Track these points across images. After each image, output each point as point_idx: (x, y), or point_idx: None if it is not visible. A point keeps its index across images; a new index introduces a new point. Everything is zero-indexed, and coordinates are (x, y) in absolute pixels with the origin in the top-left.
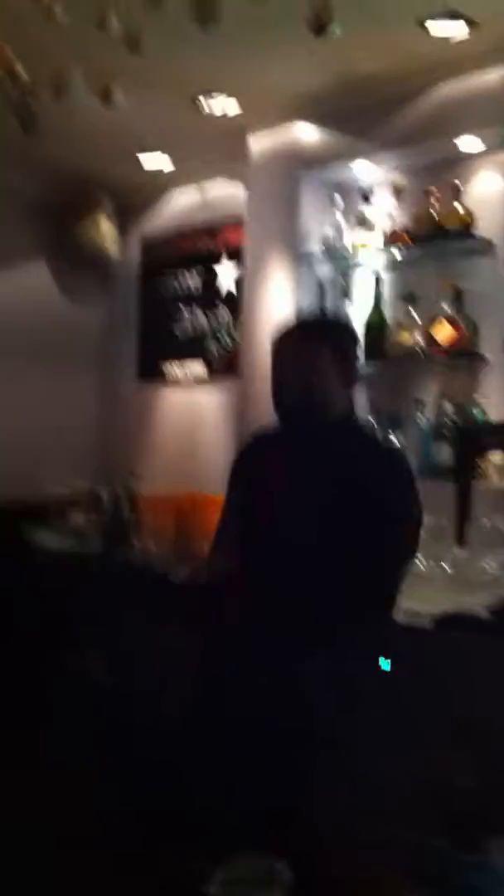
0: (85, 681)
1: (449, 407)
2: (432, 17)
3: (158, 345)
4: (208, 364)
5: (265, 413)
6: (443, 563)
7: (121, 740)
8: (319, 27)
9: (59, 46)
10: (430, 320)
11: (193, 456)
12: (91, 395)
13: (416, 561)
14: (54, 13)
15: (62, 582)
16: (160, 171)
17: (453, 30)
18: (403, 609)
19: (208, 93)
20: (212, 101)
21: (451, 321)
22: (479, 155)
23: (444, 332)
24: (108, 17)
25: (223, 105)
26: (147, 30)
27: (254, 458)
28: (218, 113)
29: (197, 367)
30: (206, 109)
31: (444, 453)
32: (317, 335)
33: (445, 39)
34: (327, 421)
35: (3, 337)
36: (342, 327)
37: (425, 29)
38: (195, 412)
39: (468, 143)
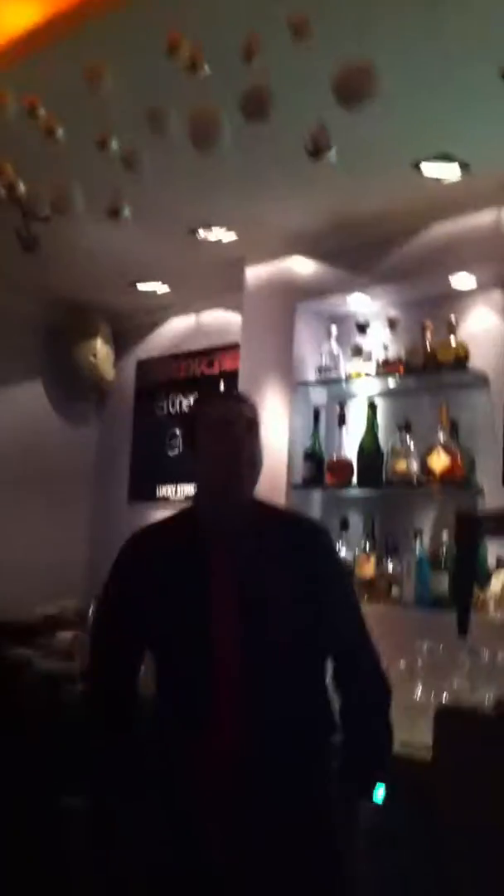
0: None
1: (446, 536)
2: (426, 160)
3: (151, 466)
4: None
5: None
6: (444, 694)
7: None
8: (317, 151)
9: (60, 166)
10: (426, 449)
11: None
12: (83, 514)
13: (415, 692)
14: (55, 133)
15: (48, 702)
16: (158, 299)
17: (446, 172)
18: (401, 741)
19: (207, 226)
20: (210, 234)
21: (447, 451)
22: (473, 292)
23: (439, 462)
24: (108, 138)
25: (221, 238)
26: (148, 163)
27: (160, 549)
28: (216, 245)
29: (189, 488)
30: (205, 241)
31: (442, 583)
32: (253, 410)
33: (439, 181)
34: (251, 502)
35: None
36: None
37: (419, 171)
38: None
39: (462, 280)
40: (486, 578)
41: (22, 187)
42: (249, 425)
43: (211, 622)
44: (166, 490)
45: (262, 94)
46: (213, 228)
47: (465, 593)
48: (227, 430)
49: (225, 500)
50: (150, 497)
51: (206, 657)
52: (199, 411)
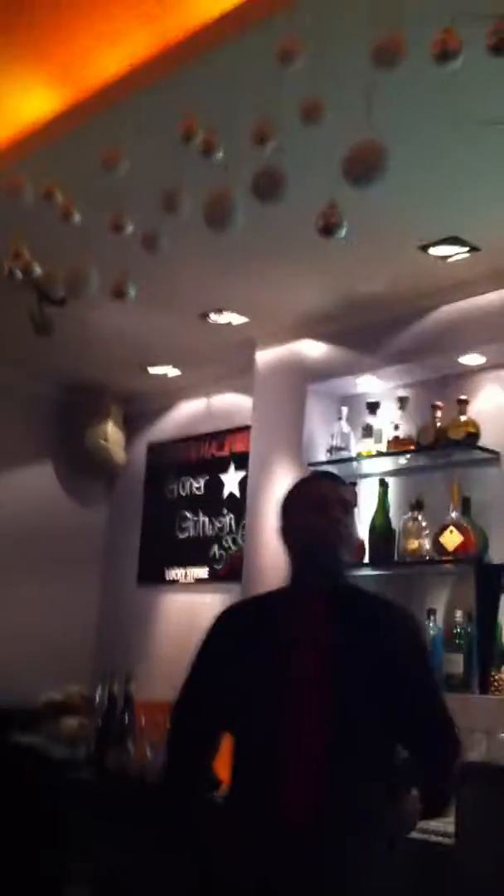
0: None
1: (461, 616)
2: (435, 244)
3: (161, 548)
4: (210, 567)
5: None
6: None
7: None
8: (327, 229)
9: (76, 250)
10: (439, 527)
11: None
12: (92, 597)
13: None
14: (71, 217)
15: (53, 789)
16: (169, 382)
17: (455, 254)
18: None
19: (218, 310)
20: (221, 318)
21: (460, 528)
22: (482, 370)
23: (452, 540)
24: (123, 221)
25: (232, 321)
26: (164, 255)
27: (249, 625)
28: (226, 329)
29: (199, 571)
30: (215, 325)
31: (457, 664)
32: (348, 491)
33: (447, 263)
34: (345, 583)
35: (8, 537)
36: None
37: (428, 253)
38: (196, 615)
39: (471, 359)
40: (502, 657)
41: (38, 270)
42: (346, 505)
43: (292, 695)
44: (175, 573)
45: (274, 176)
46: (224, 312)
47: (487, 643)
48: (325, 507)
49: (318, 575)
50: (159, 580)
51: (284, 730)
52: (300, 488)
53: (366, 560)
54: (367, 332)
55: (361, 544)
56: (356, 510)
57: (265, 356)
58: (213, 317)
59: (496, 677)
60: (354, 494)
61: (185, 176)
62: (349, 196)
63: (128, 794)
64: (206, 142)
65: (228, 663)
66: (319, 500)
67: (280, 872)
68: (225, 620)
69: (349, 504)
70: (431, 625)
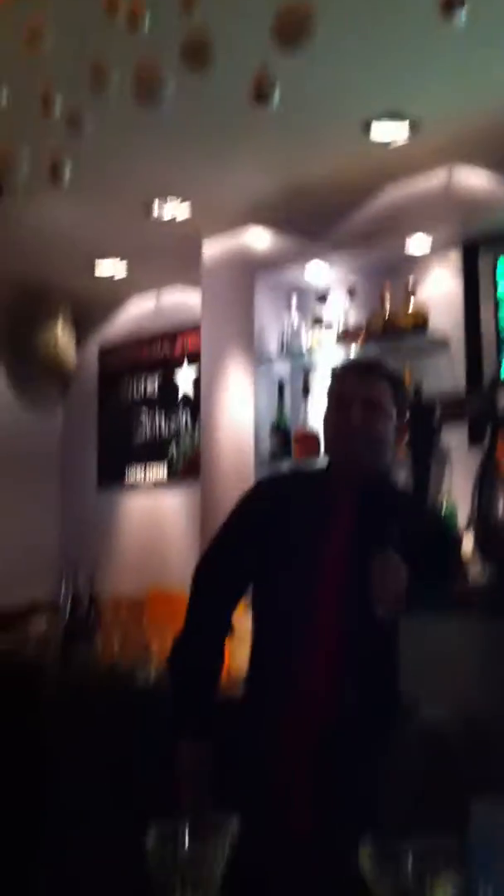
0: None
1: None
2: (376, 118)
3: (118, 450)
4: (169, 467)
5: (225, 513)
6: None
7: None
8: (261, 95)
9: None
10: None
11: (156, 558)
12: (52, 502)
13: None
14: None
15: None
16: (116, 280)
17: (396, 131)
18: None
19: (162, 198)
20: (164, 207)
21: None
22: (429, 255)
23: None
24: (51, 96)
25: (175, 212)
26: (101, 138)
27: (297, 491)
28: (171, 218)
29: (157, 471)
30: (160, 215)
31: None
32: (377, 386)
33: (390, 143)
34: (381, 473)
35: None
36: (399, 379)
37: (369, 131)
38: (156, 515)
39: (418, 242)
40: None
41: None
42: (371, 404)
43: (321, 565)
44: (134, 475)
45: (202, 42)
46: (169, 201)
47: (422, 484)
48: (344, 407)
49: (347, 470)
50: (118, 483)
51: (310, 599)
52: (332, 380)
53: (321, 452)
54: (313, 218)
55: (315, 437)
56: (392, 402)
57: (212, 247)
58: (157, 206)
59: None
60: (388, 385)
61: (112, 51)
62: (287, 72)
63: (96, 689)
64: (130, 13)
65: (258, 531)
66: (340, 398)
67: (297, 747)
68: (261, 490)
69: (374, 402)
70: None
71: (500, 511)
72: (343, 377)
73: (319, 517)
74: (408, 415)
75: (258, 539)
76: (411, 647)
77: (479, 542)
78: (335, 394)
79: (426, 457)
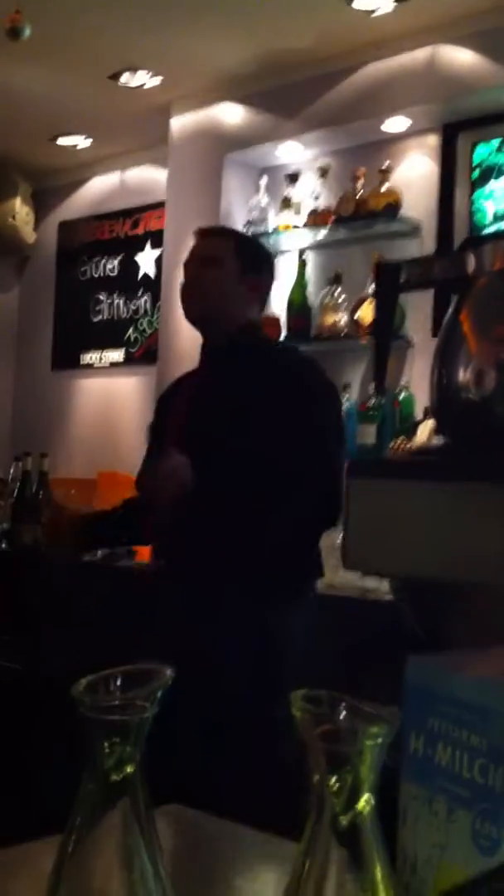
0: None
1: (373, 389)
2: None
3: (75, 332)
4: (126, 350)
5: None
6: None
7: None
8: None
9: None
10: (357, 301)
11: (109, 440)
12: (5, 382)
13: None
14: None
15: None
16: (80, 155)
17: (378, 6)
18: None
19: (129, 69)
20: (132, 78)
21: None
22: (407, 136)
23: (370, 314)
24: None
25: (144, 82)
26: (67, 3)
27: (174, 386)
28: (139, 91)
29: (114, 354)
30: (127, 87)
31: (370, 435)
32: (221, 234)
33: (372, 17)
34: (235, 330)
35: None
36: (263, 247)
37: (351, 5)
38: (112, 398)
39: (396, 123)
40: (413, 428)
41: None
42: (205, 260)
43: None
44: (91, 357)
45: None
46: (137, 72)
47: (382, 346)
48: (186, 265)
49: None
50: (74, 364)
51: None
52: None
53: (282, 336)
54: (288, 93)
55: (278, 320)
56: (233, 256)
57: (180, 122)
58: (125, 77)
59: (401, 446)
60: (224, 240)
61: None
62: None
63: (42, 566)
64: None
65: (156, 427)
66: (184, 264)
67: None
68: (165, 391)
69: (208, 257)
70: (345, 399)
71: (460, 379)
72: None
73: (182, 388)
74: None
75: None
76: (362, 509)
77: (436, 412)
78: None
79: (388, 324)
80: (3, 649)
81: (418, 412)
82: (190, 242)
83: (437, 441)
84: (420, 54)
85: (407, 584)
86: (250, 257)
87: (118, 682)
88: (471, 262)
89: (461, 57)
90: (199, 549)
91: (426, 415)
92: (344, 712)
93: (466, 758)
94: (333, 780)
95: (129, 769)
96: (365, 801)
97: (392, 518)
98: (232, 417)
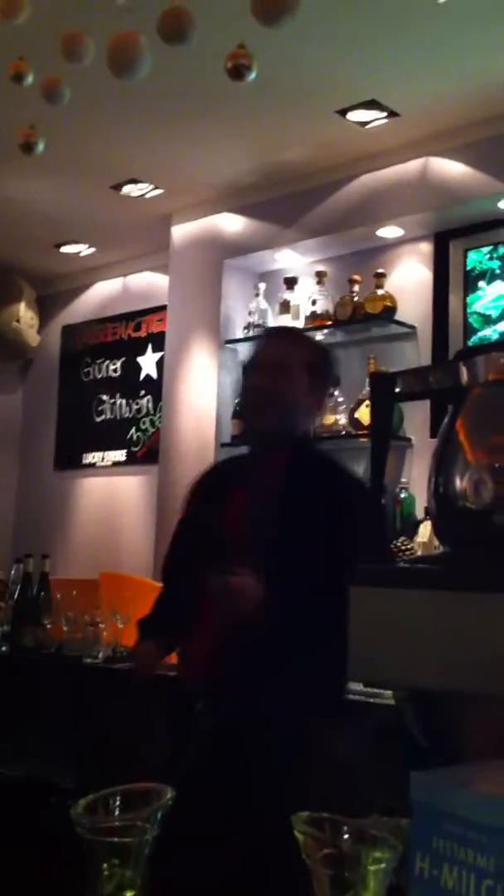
0: None
1: None
2: (353, 107)
3: (78, 432)
4: (128, 450)
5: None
6: None
7: None
8: (236, 71)
9: None
10: (355, 402)
11: (111, 540)
12: (8, 483)
13: None
14: None
15: None
16: (83, 261)
17: (371, 119)
18: None
19: (132, 182)
20: (135, 189)
21: None
22: (401, 243)
23: (368, 415)
24: (24, 70)
25: (146, 193)
26: (73, 117)
27: (218, 476)
28: (141, 201)
29: (117, 454)
30: (129, 197)
31: None
32: (294, 340)
33: (365, 129)
34: (298, 438)
35: None
36: (330, 355)
37: (345, 118)
38: (114, 497)
39: (389, 232)
40: (413, 527)
41: None
42: (275, 367)
43: (222, 533)
44: (93, 456)
45: (181, 15)
46: (139, 184)
47: (379, 457)
48: (254, 371)
49: (258, 439)
50: (76, 464)
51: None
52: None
53: None
54: (286, 203)
55: None
56: (302, 365)
57: (181, 231)
58: (128, 188)
59: (403, 546)
60: (297, 349)
61: (90, 22)
62: (266, 57)
63: (44, 668)
64: None
65: (192, 519)
66: (251, 364)
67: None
68: (195, 481)
69: (279, 364)
70: None
71: (457, 488)
72: (256, 344)
73: (228, 487)
74: (325, 380)
75: (192, 524)
76: (363, 617)
77: (434, 517)
78: (248, 360)
79: (384, 432)
80: (3, 755)
81: (419, 511)
82: (191, 345)
83: (437, 541)
84: (412, 166)
85: (409, 693)
86: (318, 365)
87: (118, 802)
88: (464, 373)
89: (452, 168)
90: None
91: (427, 514)
92: (347, 836)
93: (473, 879)
94: None
95: (129, 895)
96: None
97: (394, 627)
98: (298, 533)
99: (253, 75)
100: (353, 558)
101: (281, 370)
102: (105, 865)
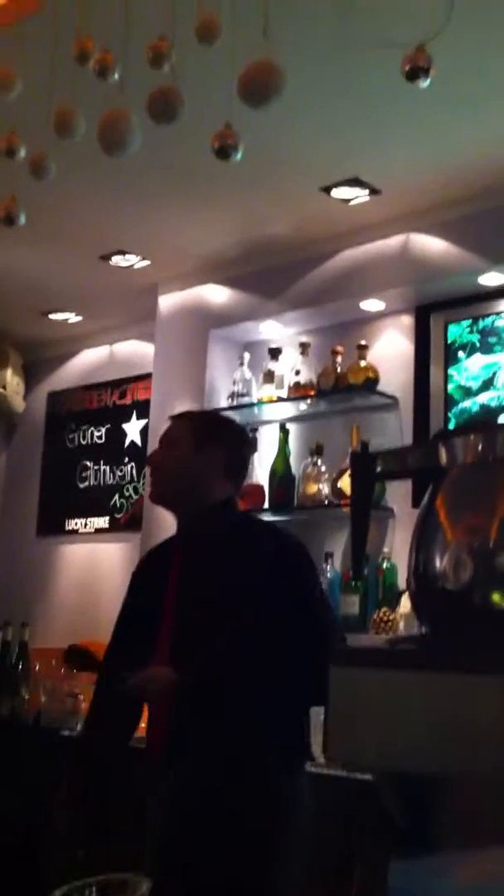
0: None
1: None
2: (336, 185)
3: (61, 498)
4: (111, 517)
5: None
6: None
7: None
8: (223, 151)
9: None
10: (338, 472)
11: (92, 608)
12: None
13: None
14: None
15: None
16: (70, 328)
17: (354, 196)
18: None
19: (119, 252)
20: (122, 260)
21: None
22: (383, 315)
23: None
24: (16, 144)
25: (133, 264)
26: (62, 189)
27: (150, 563)
28: (128, 272)
29: (100, 521)
30: (116, 268)
31: (353, 605)
32: (187, 417)
33: (348, 206)
34: (210, 509)
35: None
36: (220, 419)
37: (329, 195)
38: (96, 565)
39: (371, 305)
40: (396, 598)
41: None
42: (168, 441)
43: (161, 613)
44: (76, 523)
45: (171, 95)
46: (126, 255)
47: (360, 535)
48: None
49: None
50: (58, 530)
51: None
52: None
53: (265, 506)
54: (270, 276)
55: (261, 489)
56: (193, 435)
57: (168, 301)
58: (116, 259)
59: (385, 617)
60: (188, 423)
61: (80, 99)
62: (252, 134)
63: (23, 739)
64: (101, 61)
65: (130, 606)
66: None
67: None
68: (137, 566)
69: (169, 439)
70: (328, 568)
71: (437, 568)
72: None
73: (159, 570)
74: (224, 444)
75: (131, 610)
76: (342, 698)
77: (414, 597)
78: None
79: (365, 509)
80: None
81: (401, 581)
82: (176, 411)
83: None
84: (394, 241)
85: (386, 775)
86: (204, 429)
87: (93, 893)
88: (443, 454)
89: (432, 244)
90: (197, 744)
91: (408, 581)
92: None
93: None
94: None
95: None
96: None
97: (372, 707)
98: (221, 602)
99: (239, 155)
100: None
101: (166, 444)
102: None
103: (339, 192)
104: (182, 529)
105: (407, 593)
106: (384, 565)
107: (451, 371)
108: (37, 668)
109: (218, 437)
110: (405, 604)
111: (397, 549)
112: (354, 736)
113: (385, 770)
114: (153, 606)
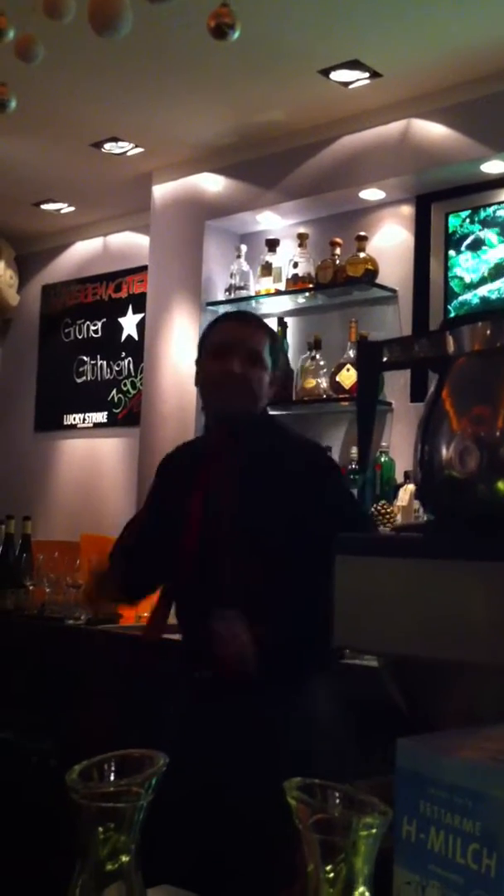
0: None
1: (356, 453)
2: (336, 67)
3: (58, 393)
4: (109, 412)
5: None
6: None
7: None
8: (219, 30)
9: None
10: (336, 366)
11: (93, 502)
12: None
13: None
14: None
15: None
16: (63, 220)
17: (354, 79)
18: None
19: (112, 140)
20: (115, 148)
21: (356, 366)
22: (382, 206)
23: (349, 378)
24: (4, 24)
25: (126, 151)
26: (52, 75)
27: (185, 457)
28: (122, 160)
29: (98, 416)
30: (110, 155)
31: None
32: (262, 327)
33: (348, 90)
34: (261, 417)
35: None
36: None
37: (328, 78)
38: (95, 459)
39: (371, 194)
40: (394, 491)
41: None
42: (249, 353)
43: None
44: (74, 418)
45: None
46: (119, 142)
47: (366, 426)
48: (223, 356)
49: (224, 425)
50: (57, 426)
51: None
52: (206, 333)
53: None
54: (267, 164)
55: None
56: (268, 353)
57: (162, 190)
58: (108, 146)
59: (383, 510)
60: (266, 336)
61: None
62: (248, 16)
63: (28, 631)
64: None
65: (155, 507)
66: (221, 347)
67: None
68: (161, 464)
69: (254, 352)
70: None
71: (443, 457)
72: (222, 326)
73: (195, 472)
74: (279, 366)
75: (159, 513)
76: (347, 585)
77: (419, 485)
78: (215, 342)
79: (371, 401)
80: None
81: (398, 475)
82: (172, 306)
83: (418, 506)
84: (394, 127)
85: (391, 661)
86: (277, 347)
87: (112, 768)
88: (450, 343)
89: (434, 131)
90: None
91: (407, 478)
92: (338, 802)
93: (459, 843)
94: (328, 868)
95: (124, 858)
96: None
97: (377, 595)
98: (270, 509)
99: (236, 34)
100: (334, 526)
101: (252, 357)
102: (100, 829)
103: (339, 76)
104: (220, 437)
105: (404, 487)
106: (382, 459)
107: (450, 262)
108: (40, 559)
109: (282, 353)
110: (402, 497)
111: (395, 444)
112: (358, 622)
113: (388, 654)
114: (178, 508)
